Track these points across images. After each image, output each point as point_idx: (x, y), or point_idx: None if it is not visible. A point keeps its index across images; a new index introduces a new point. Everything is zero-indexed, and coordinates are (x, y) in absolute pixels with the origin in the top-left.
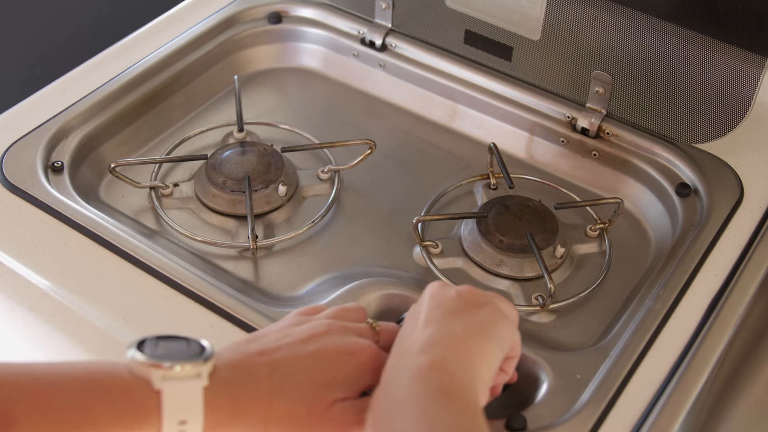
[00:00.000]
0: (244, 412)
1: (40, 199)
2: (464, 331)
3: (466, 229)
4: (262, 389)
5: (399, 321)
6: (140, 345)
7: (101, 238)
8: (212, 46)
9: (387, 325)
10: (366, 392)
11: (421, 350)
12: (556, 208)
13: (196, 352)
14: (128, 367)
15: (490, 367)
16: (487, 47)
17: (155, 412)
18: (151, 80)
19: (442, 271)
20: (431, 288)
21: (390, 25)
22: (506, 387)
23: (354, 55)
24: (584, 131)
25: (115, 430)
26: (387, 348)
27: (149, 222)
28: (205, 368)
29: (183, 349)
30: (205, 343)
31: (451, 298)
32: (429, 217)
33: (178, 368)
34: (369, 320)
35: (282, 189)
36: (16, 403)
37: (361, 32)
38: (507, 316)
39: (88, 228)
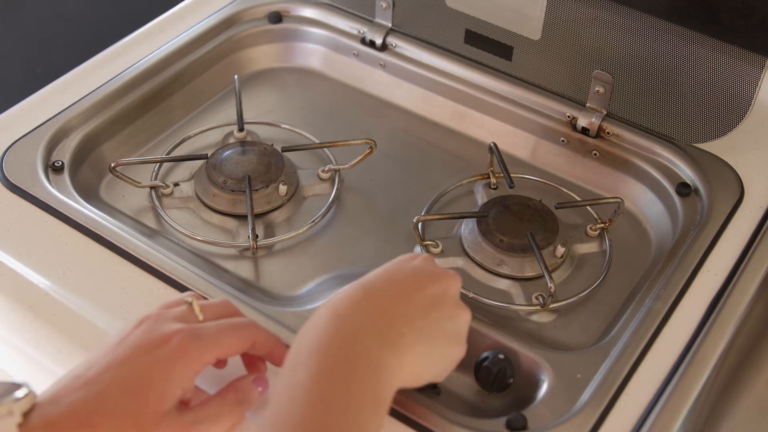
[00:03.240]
0: None
1: (41, 198)
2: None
3: (467, 229)
4: (81, 416)
5: None
6: None
7: (101, 237)
8: (212, 45)
9: (214, 301)
10: None
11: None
12: (556, 208)
13: (9, 392)
14: None
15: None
16: (487, 47)
17: None
18: (151, 80)
19: None
20: (398, 259)
21: (390, 25)
22: (506, 386)
23: (354, 54)
24: (584, 131)
25: None
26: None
27: (150, 221)
28: (18, 406)
29: None
30: (22, 382)
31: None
32: (429, 217)
33: None
34: (187, 299)
35: (282, 188)
36: None
37: (362, 32)
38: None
39: (89, 228)
